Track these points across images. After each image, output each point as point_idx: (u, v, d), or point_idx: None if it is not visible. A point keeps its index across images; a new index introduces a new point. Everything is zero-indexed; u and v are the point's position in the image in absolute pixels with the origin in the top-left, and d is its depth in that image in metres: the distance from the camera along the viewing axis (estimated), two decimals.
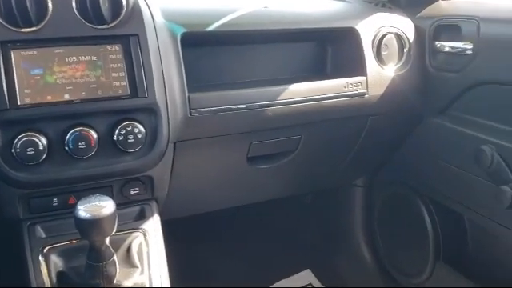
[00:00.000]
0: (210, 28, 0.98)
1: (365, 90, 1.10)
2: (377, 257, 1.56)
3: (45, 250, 0.84)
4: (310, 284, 1.59)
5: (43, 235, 0.88)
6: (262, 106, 1.01)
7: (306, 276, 1.61)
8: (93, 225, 0.71)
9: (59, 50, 0.82)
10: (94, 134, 0.84)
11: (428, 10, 1.20)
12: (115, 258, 0.78)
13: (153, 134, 0.88)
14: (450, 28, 1.11)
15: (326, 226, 1.73)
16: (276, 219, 1.77)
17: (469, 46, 1.07)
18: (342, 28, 1.12)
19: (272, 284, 1.58)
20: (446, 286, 1.14)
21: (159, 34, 0.91)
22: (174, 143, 0.96)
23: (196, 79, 1.01)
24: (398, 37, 1.14)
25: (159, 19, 0.93)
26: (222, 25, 0.99)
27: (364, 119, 1.19)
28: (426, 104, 1.20)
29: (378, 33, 1.12)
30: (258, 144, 1.11)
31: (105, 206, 0.72)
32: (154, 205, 0.98)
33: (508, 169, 0.97)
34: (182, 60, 0.93)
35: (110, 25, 0.84)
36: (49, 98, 0.81)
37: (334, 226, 1.69)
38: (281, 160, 1.19)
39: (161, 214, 0.99)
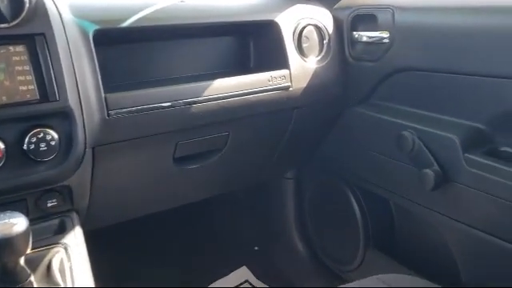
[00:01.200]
0: (125, 24, 0.92)
1: (289, 83, 1.10)
2: (310, 246, 1.58)
3: None
4: (247, 281, 1.58)
5: None
6: (187, 104, 0.98)
7: (242, 273, 1.60)
8: (2, 245, 0.64)
9: None
10: (1, 145, 0.77)
11: (345, 1, 1.22)
12: (32, 278, 0.70)
13: (67, 141, 0.82)
14: (366, 18, 1.14)
15: (259, 221, 1.73)
16: (208, 218, 1.75)
17: (385, 34, 1.10)
18: (262, 21, 1.11)
19: (208, 285, 1.55)
20: (378, 270, 1.16)
21: (68, 32, 0.84)
22: (93, 148, 0.89)
23: (114, 78, 0.95)
24: (318, 28, 1.15)
25: (68, 16, 0.86)
26: (137, 20, 0.94)
27: (290, 112, 1.19)
28: (348, 94, 1.23)
29: (297, 25, 1.12)
30: (184, 143, 1.07)
31: (16, 222, 0.65)
32: (74, 216, 0.91)
33: (429, 152, 1.01)
34: (95, 59, 0.87)
35: (11, 23, 0.76)
36: None
37: (267, 219, 1.69)
38: (210, 158, 1.16)
39: (83, 225, 0.92)
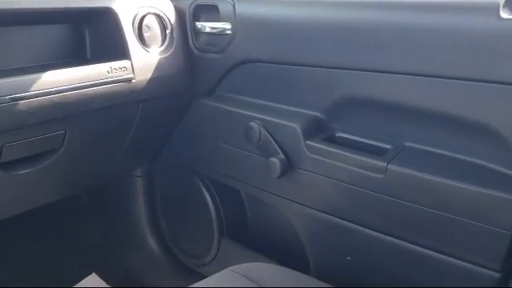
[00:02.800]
0: None
1: (131, 75, 1.04)
2: (164, 244, 1.53)
3: None
4: None
5: None
6: (12, 100, 0.85)
7: (91, 281, 1.49)
8: None
9: None
10: None
11: None
12: None
13: None
14: (208, 8, 1.13)
15: (108, 224, 1.63)
16: (50, 226, 1.59)
17: (228, 26, 1.10)
18: (97, 8, 1.02)
19: None
20: (233, 260, 1.18)
21: None
22: None
23: None
24: (159, 18, 1.11)
25: None
26: None
27: (134, 106, 1.12)
28: (195, 85, 1.21)
29: (137, 13, 1.06)
30: (12, 146, 0.93)
31: None
32: None
33: (274, 142, 1.04)
34: None
35: None
36: None
37: (117, 221, 1.60)
38: (45, 161, 1.04)
39: None
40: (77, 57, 1.08)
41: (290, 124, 1.03)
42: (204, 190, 1.35)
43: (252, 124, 1.07)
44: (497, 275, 0.82)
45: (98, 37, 1.09)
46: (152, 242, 1.53)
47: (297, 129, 1.01)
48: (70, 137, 1.03)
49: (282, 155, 1.03)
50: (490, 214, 0.80)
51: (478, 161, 0.86)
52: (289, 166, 1.04)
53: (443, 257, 0.88)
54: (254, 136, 1.07)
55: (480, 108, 0.81)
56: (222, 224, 1.35)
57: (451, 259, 0.87)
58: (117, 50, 1.04)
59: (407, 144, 0.95)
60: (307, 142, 1.01)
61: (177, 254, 1.52)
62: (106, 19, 1.03)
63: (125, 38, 1.03)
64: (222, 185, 1.30)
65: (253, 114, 1.09)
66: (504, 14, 0.75)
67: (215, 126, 1.21)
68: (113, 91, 1.02)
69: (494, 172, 0.84)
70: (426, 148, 0.93)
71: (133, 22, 1.05)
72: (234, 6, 1.07)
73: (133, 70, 1.04)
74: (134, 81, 1.05)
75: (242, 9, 1.07)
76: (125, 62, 1.03)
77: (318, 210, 1.05)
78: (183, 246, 1.49)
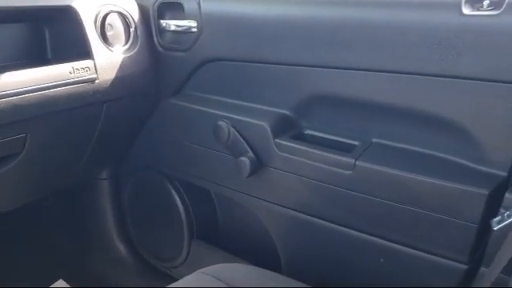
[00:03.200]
0: None
1: (94, 75, 1.01)
2: (133, 248, 1.50)
3: None
4: None
5: None
6: None
7: (59, 285, 1.45)
8: None
9: None
10: None
11: None
12: None
13: None
14: (173, 6, 1.11)
15: (74, 228, 1.58)
16: (13, 231, 1.53)
17: (193, 23, 1.08)
18: (56, 6, 0.98)
19: None
20: (205, 261, 1.17)
21: None
22: None
23: None
24: (122, 16, 1.08)
25: None
26: None
27: (99, 107, 1.09)
28: (161, 85, 1.19)
29: (99, 12, 1.03)
30: None
31: None
32: None
33: (243, 140, 1.03)
34: None
35: None
36: None
37: (83, 225, 1.55)
38: (6, 165, 1.00)
39: None
40: (37, 57, 1.05)
41: (259, 122, 1.02)
42: (173, 191, 1.33)
43: (220, 123, 1.06)
44: (464, 267, 0.84)
45: (58, 36, 1.06)
46: (120, 246, 1.50)
47: (266, 127, 1.01)
48: (32, 140, 1.00)
49: (251, 154, 1.03)
50: (457, 208, 0.81)
51: (444, 155, 0.87)
52: (258, 164, 1.03)
53: (412, 251, 0.89)
54: (223, 135, 1.06)
55: (445, 103, 0.83)
56: (192, 225, 1.34)
57: (420, 253, 0.88)
58: (79, 50, 1.01)
59: (375, 140, 0.96)
60: (276, 140, 1.00)
61: (146, 257, 1.49)
62: (66, 18, 1.00)
63: (87, 37, 1.00)
64: (191, 185, 1.28)
65: (221, 113, 1.08)
66: (466, 10, 0.76)
67: (183, 125, 1.19)
68: (75, 92, 0.99)
69: (459, 166, 0.85)
70: (393, 144, 0.93)
71: (95, 21, 1.02)
72: (199, 4, 1.06)
73: (96, 69, 1.01)
74: (97, 81, 1.02)
75: (208, 6, 1.05)
76: (87, 62, 1.00)
77: (288, 208, 1.04)
78: (153, 249, 1.47)
